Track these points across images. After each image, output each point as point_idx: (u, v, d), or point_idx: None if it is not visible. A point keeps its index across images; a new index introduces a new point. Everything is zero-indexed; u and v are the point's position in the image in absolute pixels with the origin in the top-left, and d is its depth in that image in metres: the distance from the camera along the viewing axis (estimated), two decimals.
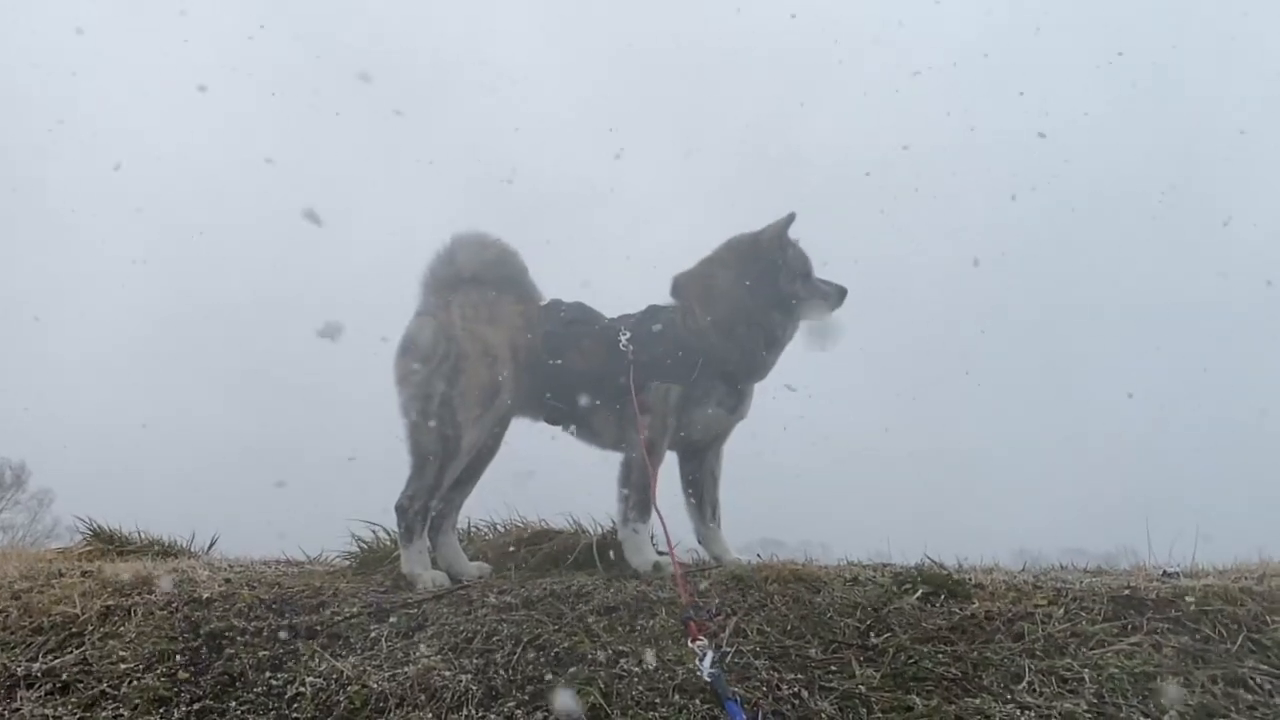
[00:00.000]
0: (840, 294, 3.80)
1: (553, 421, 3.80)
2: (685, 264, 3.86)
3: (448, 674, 2.73)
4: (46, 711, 2.73)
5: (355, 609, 3.17)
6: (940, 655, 2.70)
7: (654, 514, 3.46)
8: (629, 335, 3.61)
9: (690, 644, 2.54)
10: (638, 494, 3.51)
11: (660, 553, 3.52)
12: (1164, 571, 3.38)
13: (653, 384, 3.56)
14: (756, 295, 3.70)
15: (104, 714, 2.72)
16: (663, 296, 3.83)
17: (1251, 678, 2.60)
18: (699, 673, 2.43)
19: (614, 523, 3.67)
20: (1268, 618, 2.82)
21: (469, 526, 4.17)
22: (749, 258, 3.74)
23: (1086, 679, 2.58)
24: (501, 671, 2.73)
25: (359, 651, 2.91)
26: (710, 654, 2.44)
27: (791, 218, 3.73)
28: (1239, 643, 2.73)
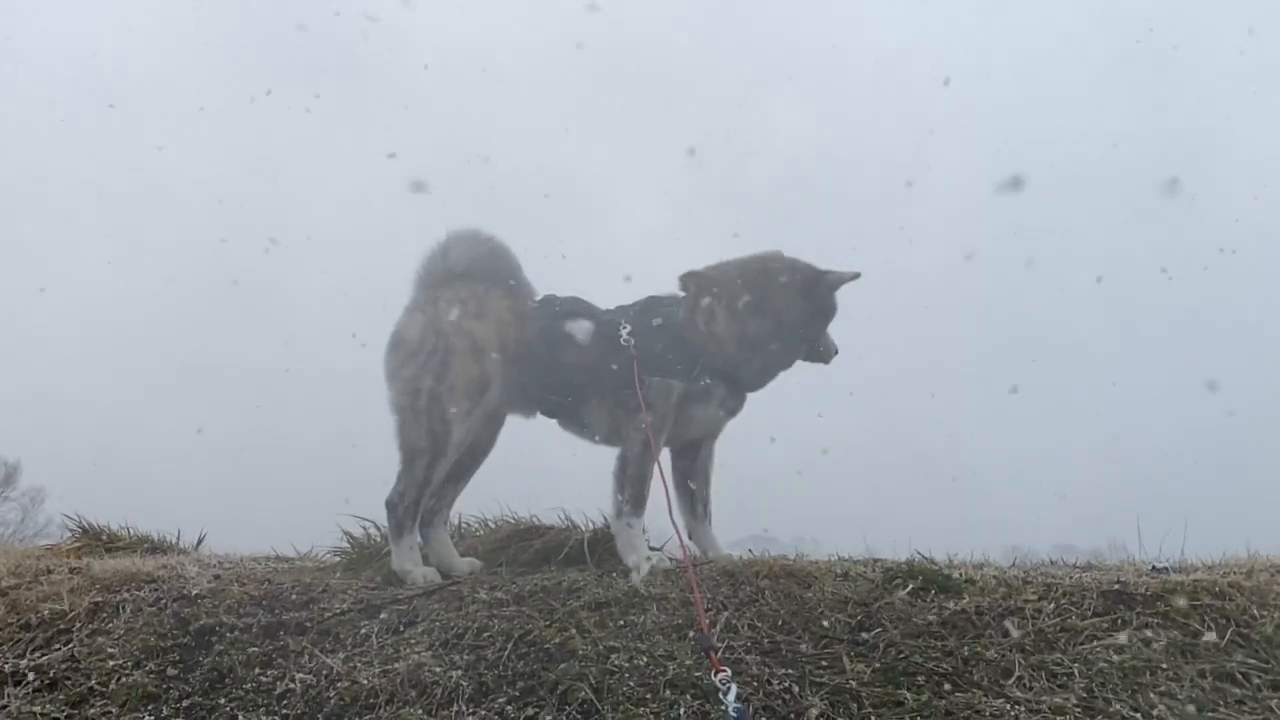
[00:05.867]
0: (836, 353, 3.81)
1: (550, 414, 3.79)
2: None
3: (438, 670, 2.72)
4: (35, 709, 2.72)
5: (345, 605, 3.16)
6: (930, 650, 2.71)
7: (652, 511, 3.44)
8: (629, 329, 3.59)
9: (713, 677, 2.45)
10: (634, 488, 3.50)
11: (652, 549, 3.52)
12: (1153, 566, 3.39)
13: (654, 380, 3.55)
14: (804, 327, 3.68)
15: (92, 711, 2.71)
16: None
17: (1240, 672, 2.61)
18: (723, 707, 2.35)
19: (605, 518, 3.67)
20: (1256, 612, 2.83)
21: (460, 522, 4.16)
22: (809, 290, 3.67)
23: (1076, 674, 2.59)
24: (492, 667, 2.72)
25: (349, 648, 2.90)
26: (734, 688, 2.35)
27: (857, 275, 3.69)
28: (1228, 637, 2.74)
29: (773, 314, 3.63)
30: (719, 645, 2.71)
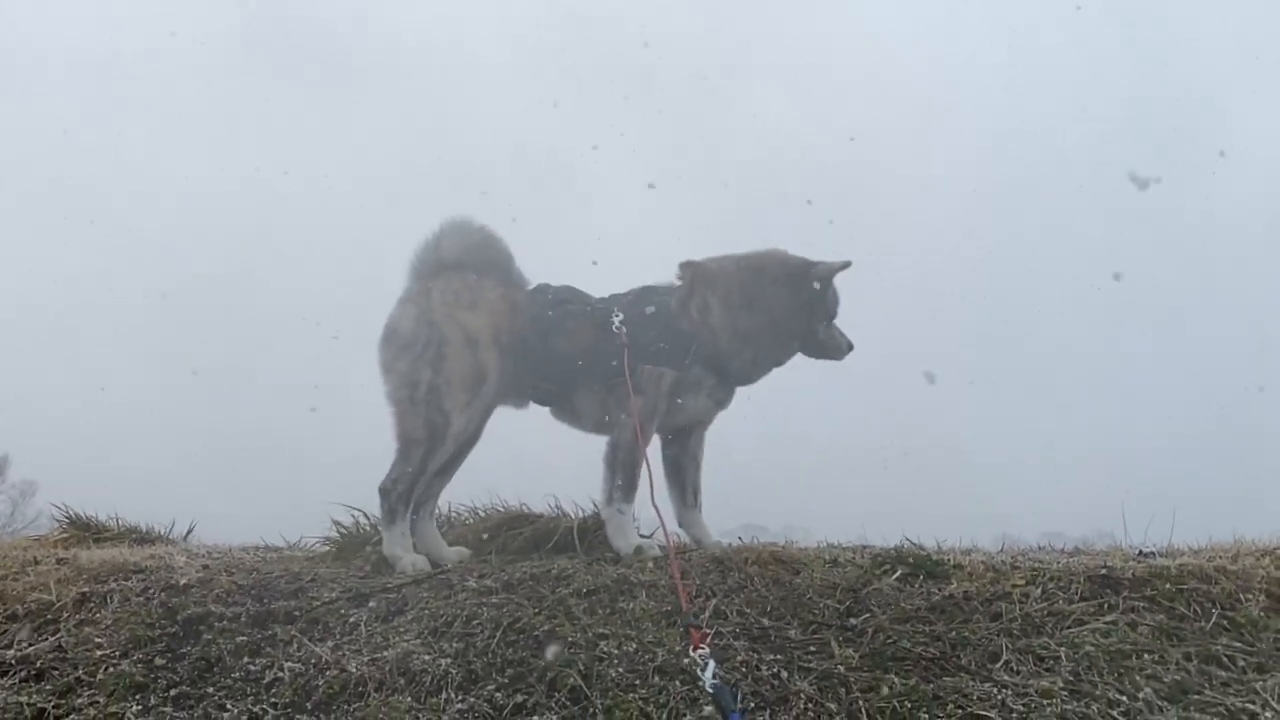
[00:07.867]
0: (850, 349, 3.79)
1: (542, 402, 3.79)
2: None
3: (427, 658, 2.72)
4: (22, 699, 2.70)
5: (334, 594, 3.15)
6: (918, 635, 2.72)
7: (642, 499, 3.44)
8: (622, 317, 3.59)
9: (692, 652, 2.46)
10: (624, 474, 3.51)
11: (642, 536, 3.52)
12: (1140, 551, 3.41)
13: (645, 367, 3.54)
14: (793, 321, 3.68)
15: (80, 701, 2.69)
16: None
17: (1225, 655, 2.63)
18: (700, 683, 2.36)
19: (595, 505, 3.67)
20: (1241, 596, 2.85)
21: (449, 511, 4.15)
22: (797, 284, 3.67)
23: (1063, 657, 2.60)
24: (481, 655, 2.72)
25: (337, 636, 2.89)
26: (712, 664, 2.35)
27: (847, 264, 3.69)
28: (1213, 620, 2.75)
29: (764, 308, 3.63)
30: (706, 628, 2.71)
